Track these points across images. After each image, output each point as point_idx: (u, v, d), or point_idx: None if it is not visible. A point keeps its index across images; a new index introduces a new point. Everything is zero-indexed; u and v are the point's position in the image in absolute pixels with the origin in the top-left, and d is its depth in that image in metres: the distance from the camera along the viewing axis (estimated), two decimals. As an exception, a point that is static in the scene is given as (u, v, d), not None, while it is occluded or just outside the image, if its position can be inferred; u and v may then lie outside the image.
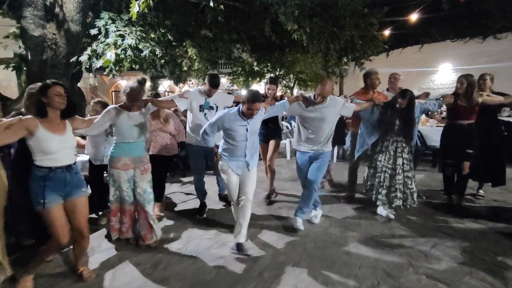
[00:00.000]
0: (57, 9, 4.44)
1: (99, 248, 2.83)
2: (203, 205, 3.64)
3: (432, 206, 3.71)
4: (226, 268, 2.45)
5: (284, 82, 11.66)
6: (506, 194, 4.03)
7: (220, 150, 2.78)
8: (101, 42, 4.72)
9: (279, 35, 7.48)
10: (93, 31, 4.80)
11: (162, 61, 5.95)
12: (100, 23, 4.74)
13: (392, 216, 3.33)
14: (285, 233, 3.05)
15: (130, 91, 2.62)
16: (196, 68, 7.67)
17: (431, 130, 5.36)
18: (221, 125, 2.61)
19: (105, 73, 4.87)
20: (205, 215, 3.55)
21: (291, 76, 11.46)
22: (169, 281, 2.31)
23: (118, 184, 2.68)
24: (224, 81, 17.28)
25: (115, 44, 4.60)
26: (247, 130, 2.61)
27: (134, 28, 4.85)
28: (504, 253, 2.58)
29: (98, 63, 4.59)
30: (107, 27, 4.74)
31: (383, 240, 2.89)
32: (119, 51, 4.58)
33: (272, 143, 3.86)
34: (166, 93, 16.12)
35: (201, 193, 3.61)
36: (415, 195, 3.33)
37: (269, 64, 10.42)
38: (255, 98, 2.47)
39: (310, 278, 2.30)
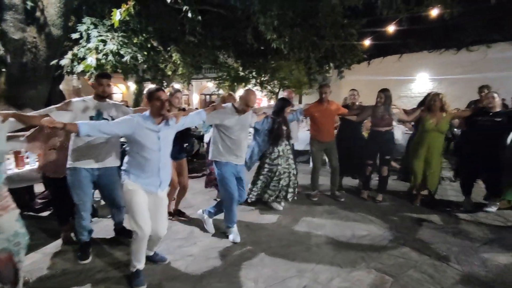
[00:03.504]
0: (38, 13, 4.54)
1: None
2: (87, 245, 2.79)
3: (395, 207, 3.98)
4: (194, 265, 2.61)
5: (269, 87, 11.94)
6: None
7: (124, 168, 2.31)
8: (83, 47, 4.83)
9: (261, 42, 7.72)
10: (75, 36, 4.90)
11: (145, 66, 6.09)
12: (82, 27, 4.85)
13: (281, 208, 3.88)
14: (253, 232, 3.23)
15: None
16: (180, 72, 7.81)
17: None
18: (127, 127, 2.19)
19: (86, 76, 4.97)
20: (90, 258, 2.71)
21: (275, 82, 11.75)
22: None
23: None
24: (210, 85, 17.47)
25: (96, 49, 4.72)
26: (159, 138, 2.28)
27: (116, 34, 4.98)
28: (448, 250, 2.84)
29: (79, 68, 4.69)
30: (89, 32, 4.85)
31: (343, 239, 3.11)
32: (100, 56, 4.69)
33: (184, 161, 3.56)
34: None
35: (85, 231, 2.76)
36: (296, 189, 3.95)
37: (253, 70, 10.66)
38: (151, 92, 2.25)
39: (271, 272, 2.49)
